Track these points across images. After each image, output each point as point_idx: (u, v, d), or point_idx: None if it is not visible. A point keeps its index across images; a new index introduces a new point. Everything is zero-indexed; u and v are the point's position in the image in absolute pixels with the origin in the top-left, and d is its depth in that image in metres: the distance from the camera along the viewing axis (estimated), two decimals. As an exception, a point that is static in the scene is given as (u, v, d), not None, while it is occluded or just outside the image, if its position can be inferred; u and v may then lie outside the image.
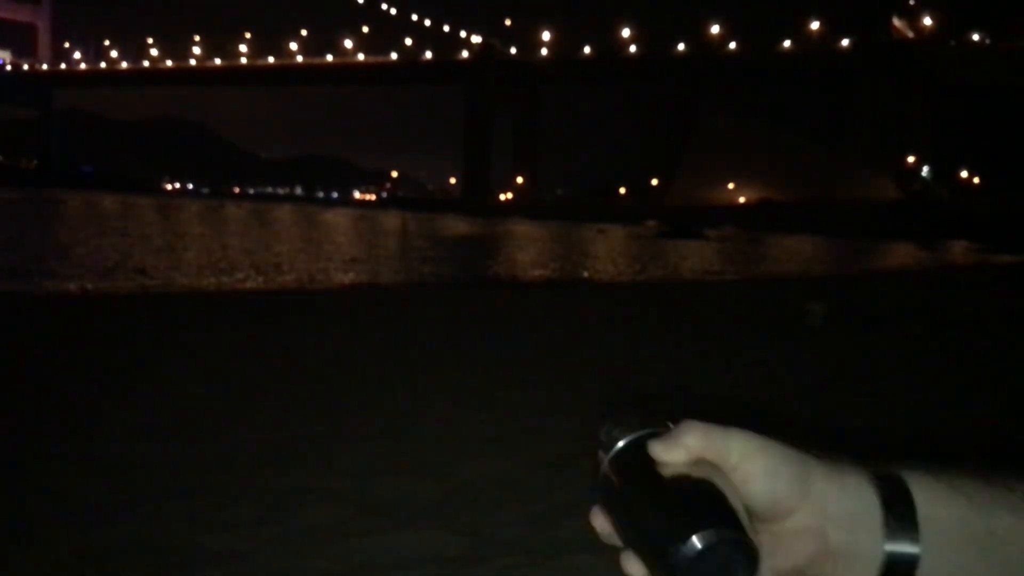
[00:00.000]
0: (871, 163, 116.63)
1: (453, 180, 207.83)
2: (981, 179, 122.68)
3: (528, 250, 40.14)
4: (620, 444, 0.62)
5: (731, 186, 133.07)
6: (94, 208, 67.33)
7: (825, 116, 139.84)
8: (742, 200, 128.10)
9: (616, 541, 0.61)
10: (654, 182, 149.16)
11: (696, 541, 0.53)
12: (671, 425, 0.61)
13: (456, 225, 66.48)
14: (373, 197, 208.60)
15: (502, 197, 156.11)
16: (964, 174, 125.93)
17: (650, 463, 0.59)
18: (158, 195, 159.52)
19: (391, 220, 78.42)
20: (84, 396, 6.29)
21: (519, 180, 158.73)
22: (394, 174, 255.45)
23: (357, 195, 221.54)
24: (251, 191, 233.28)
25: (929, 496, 0.60)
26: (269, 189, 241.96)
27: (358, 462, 4.90)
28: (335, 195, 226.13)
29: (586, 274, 26.28)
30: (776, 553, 0.59)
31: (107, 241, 30.06)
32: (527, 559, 3.70)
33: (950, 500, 0.60)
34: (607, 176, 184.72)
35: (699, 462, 0.58)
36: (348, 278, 21.25)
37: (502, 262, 31.30)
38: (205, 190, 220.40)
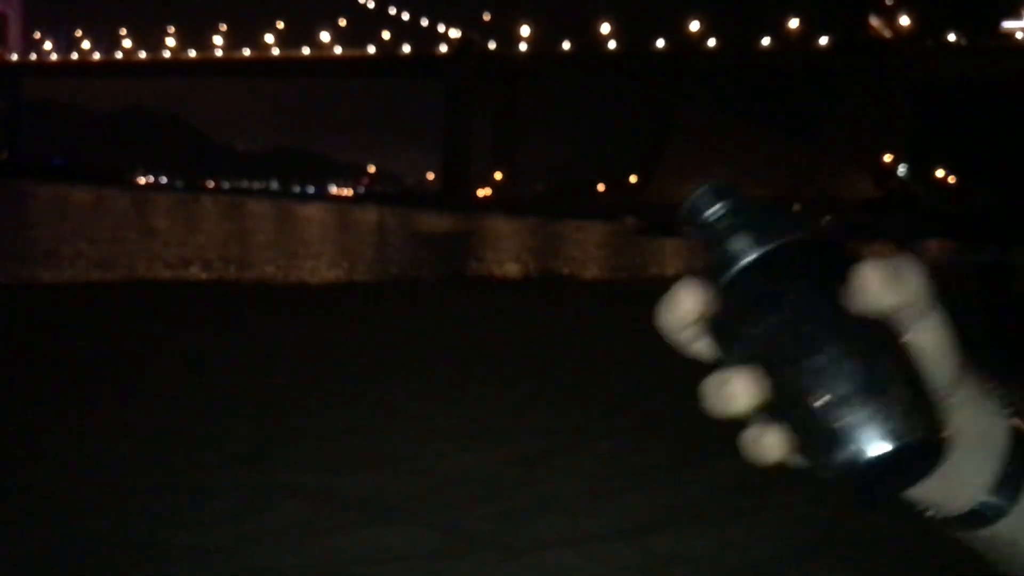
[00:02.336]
0: (849, 161, 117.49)
1: (431, 175, 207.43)
2: (957, 178, 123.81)
3: (505, 247, 40.12)
4: (795, 235, 0.47)
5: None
6: (66, 201, 66.69)
7: (803, 114, 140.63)
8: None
9: (696, 344, 0.49)
10: (633, 178, 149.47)
11: (907, 452, 0.44)
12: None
13: (434, 221, 66.35)
14: (350, 192, 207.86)
15: (480, 192, 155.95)
16: (940, 173, 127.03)
17: (835, 289, 0.46)
18: (131, 188, 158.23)
19: (368, 215, 78.20)
20: (55, 391, 6.22)
21: (497, 175, 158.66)
22: (371, 168, 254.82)
23: (334, 190, 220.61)
24: (226, 185, 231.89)
25: None
26: (244, 183, 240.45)
27: (333, 458, 4.87)
28: (311, 189, 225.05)
29: (563, 271, 26.27)
30: None
31: (79, 233, 29.76)
32: (502, 555, 3.68)
33: None
34: (586, 172, 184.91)
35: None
36: (323, 274, 21.20)
37: (479, 259, 31.25)
38: (179, 183, 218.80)
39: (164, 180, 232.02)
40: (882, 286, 0.45)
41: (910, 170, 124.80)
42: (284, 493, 4.29)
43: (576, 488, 4.52)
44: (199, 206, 77.42)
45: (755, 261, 0.47)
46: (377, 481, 4.54)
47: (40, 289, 14.54)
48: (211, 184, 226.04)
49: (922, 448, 0.45)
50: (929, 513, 0.53)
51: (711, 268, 0.48)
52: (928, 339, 0.48)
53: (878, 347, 0.46)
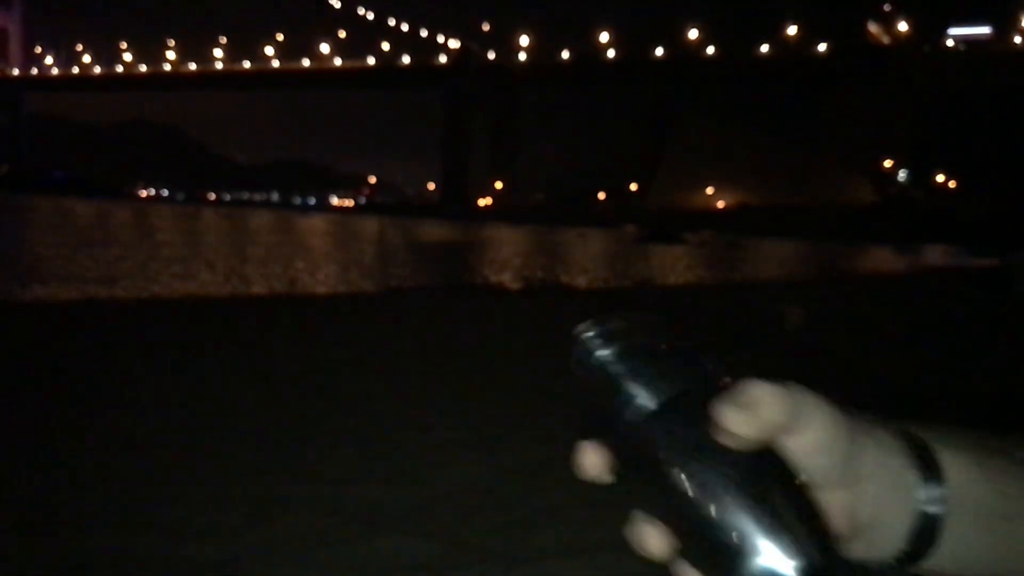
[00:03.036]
0: (848, 167, 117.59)
1: (431, 185, 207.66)
2: (957, 182, 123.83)
3: (506, 256, 40.12)
4: (684, 386, 0.49)
5: (710, 190, 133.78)
6: (67, 215, 66.72)
7: (802, 120, 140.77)
8: (720, 204, 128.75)
9: (604, 478, 0.52)
10: (633, 186, 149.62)
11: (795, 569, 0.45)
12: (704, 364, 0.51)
13: (434, 231, 66.36)
14: (351, 203, 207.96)
15: (481, 202, 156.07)
16: (940, 177, 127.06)
17: (700, 423, 0.48)
18: (132, 201, 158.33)
19: (369, 226, 78.20)
20: (60, 406, 6.22)
21: (497, 185, 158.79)
22: (372, 179, 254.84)
23: (335, 201, 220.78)
24: (227, 197, 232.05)
25: (962, 481, 0.55)
26: (245, 195, 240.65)
27: (334, 469, 4.87)
28: (312, 201, 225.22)
29: (563, 279, 26.27)
30: None
31: (84, 250, 29.79)
32: (504, 566, 3.67)
33: (983, 486, 0.56)
34: (586, 180, 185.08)
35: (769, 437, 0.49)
36: (324, 286, 21.20)
37: (479, 268, 31.27)
38: (180, 196, 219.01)
39: (165, 193, 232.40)
40: (740, 423, 0.47)
41: (910, 175, 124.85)
42: (287, 505, 4.28)
43: (579, 497, 4.44)
44: (200, 219, 77.44)
45: (646, 416, 0.48)
46: (379, 492, 4.52)
47: (46, 305, 14.57)
48: (212, 196, 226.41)
49: (818, 572, 0.45)
50: (875, 561, 0.54)
51: (602, 418, 0.50)
52: (802, 445, 0.50)
53: (763, 483, 0.47)
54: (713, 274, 30.63)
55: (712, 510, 0.46)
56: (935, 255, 55.80)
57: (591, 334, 0.52)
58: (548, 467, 4.99)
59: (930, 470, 0.54)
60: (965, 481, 0.55)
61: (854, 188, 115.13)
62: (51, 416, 5.91)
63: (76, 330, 10.44)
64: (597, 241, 58.38)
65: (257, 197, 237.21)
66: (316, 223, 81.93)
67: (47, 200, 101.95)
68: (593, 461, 0.51)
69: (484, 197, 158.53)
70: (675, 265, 35.08)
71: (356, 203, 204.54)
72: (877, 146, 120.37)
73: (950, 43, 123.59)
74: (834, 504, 0.52)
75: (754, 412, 0.48)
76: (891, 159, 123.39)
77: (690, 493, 0.47)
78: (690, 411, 0.48)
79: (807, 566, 0.45)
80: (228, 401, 6.50)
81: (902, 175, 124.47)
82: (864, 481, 0.53)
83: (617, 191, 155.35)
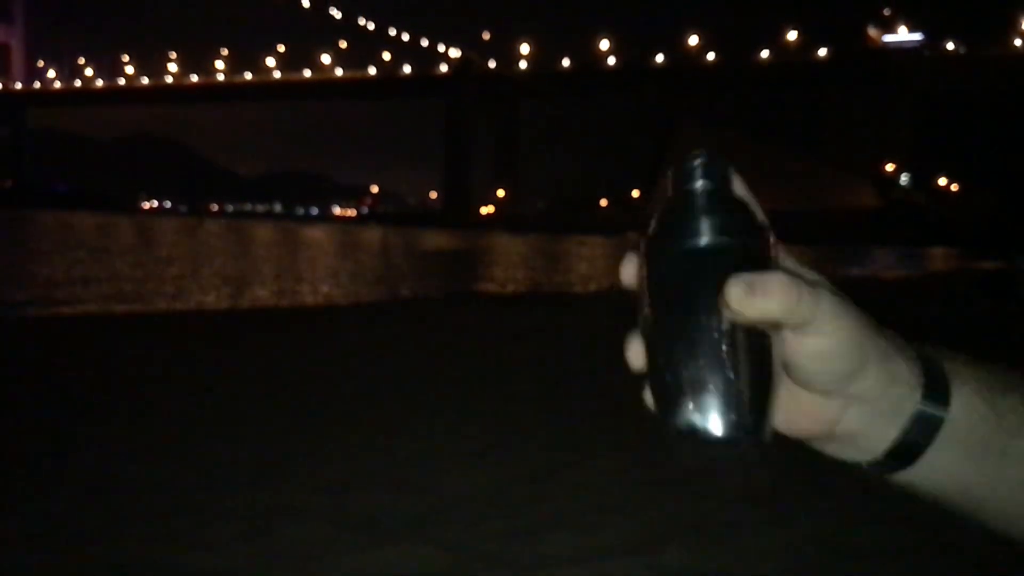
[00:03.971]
0: (850, 171, 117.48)
1: (433, 194, 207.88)
2: (960, 186, 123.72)
3: (509, 264, 40.08)
4: (719, 241, 0.52)
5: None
6: (71, 229, 66.78)
7: (804, 126, 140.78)
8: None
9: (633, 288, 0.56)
10: (635, 193, 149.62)
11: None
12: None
13: (437, 240, 66.35)
14: (353, 213, 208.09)
15: (483, 210, 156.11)
16: (943, 181, 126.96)
17: (712, 282, 0.51)
18: (135, 214, 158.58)
19: (372, 236, 78.21)
20: (60, 417, 6.22)
21: (500, 193, 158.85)
22: (374, 189, 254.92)
23: (337, 211, 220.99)
24: (230, 208, 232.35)
25: (963, 400, 0.57)
26: (248, 206, 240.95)
27: (338, 478, 4.86)
28: (314, 211, 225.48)
29: (567, 287, 26.22)
30: (794, 415, 0.57)
31: (92, 263, 29.81)
32: (511, 573, 3.65)
33: (979, 365, 0.60)
34: (588, 188, 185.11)
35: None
36: (328, 295, 21.18)
37: (482, 276, 31.25)
38: (183, 208, 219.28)
39: (168, 205, 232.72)
40: (740, 302, 0.50)
41: (912, 179, 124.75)
42: (291, 514, 4.27)
43: (584, 504, 4.50)
44: (203, 231, 77.49)
45: (671, 252, 0.53)
46: (384, 500, 4.51)
47: (50, 319, 14.54)
48: (214, 208, 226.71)
49: (738, 442, 0.51)
50: (864, 465, 0.57)
51: (667, 234, 0.54)
52: (805, 347, 0.52)
53: (739, 349, 0.51)
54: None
55: (679, 352, 0.51)
56: (938, 259, 55.69)
57: (695, 164, 0.54)
58: (554, 473, 4.97)
59: (936, 398, 0.56)
60: (968, 412, 0.56)
61: (856, 192, 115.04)
62: (53, 427, 5.90)
63: (79, 342, 10.43)
64: (599, 249, 58.30)
65: (259, 208, 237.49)
66: (318, 234, 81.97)
67: (50, 214, 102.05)
68: (627, 269, 0.56)
69: (486, 205, 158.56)
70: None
71: (358, 213, 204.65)
72: (878, 150, 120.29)
73: (951, 46, 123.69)
74: (816, 408, 0.56)
75: (763, 300, 0.50)
76: (893, 163, 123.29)
77: (671, 332, 0.52)
78: (714, 264, 0.51)
79: (734, 438, 0.50)
80: (229, 411, 6.49)
81: (904, 179, 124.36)
82: (858, 402, 0.55)
83: (619, 198, 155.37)
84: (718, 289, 0.50)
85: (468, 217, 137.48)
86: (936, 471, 0.57)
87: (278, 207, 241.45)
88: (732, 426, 0.50)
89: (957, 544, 3.67)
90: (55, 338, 10.93)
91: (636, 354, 0.55)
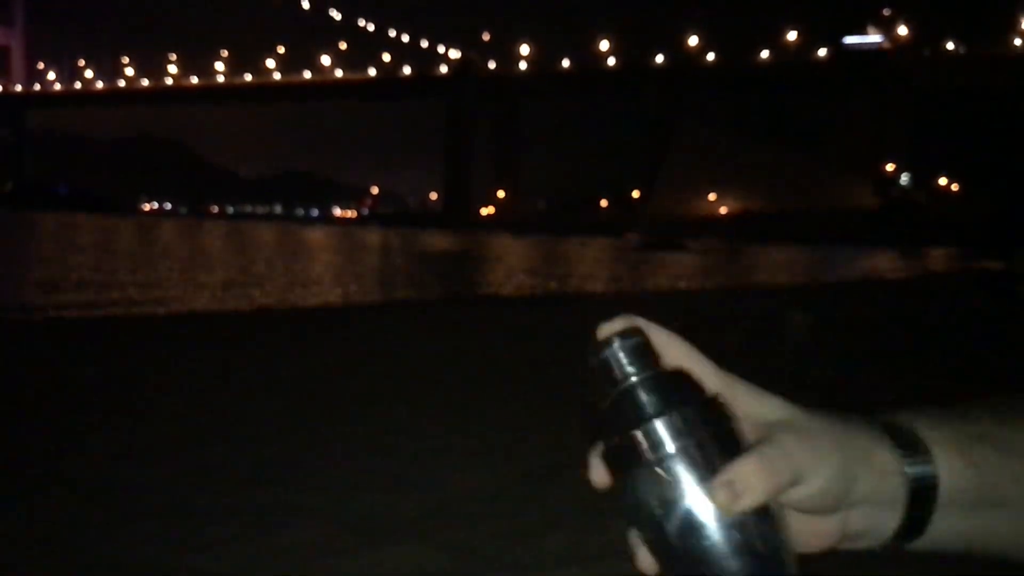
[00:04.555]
0: (850, 171, 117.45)
1: (434, 195, 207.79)
2: (960, 185, 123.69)
3: (509, 265, 40.10)
4: (661, 420, 0.52)
5: (712, 197, 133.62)
6: (72, 230, 66.77)
7: (803, 125, 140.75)
8: (723, 211, 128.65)
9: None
10: (635, 194, 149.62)
11: None
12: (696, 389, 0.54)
13: (438, 241, 66.36)
14: (354, 214, 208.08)
15: (483, 211, 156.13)
16: (943, 181, 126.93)
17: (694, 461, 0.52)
18: (135, 216, 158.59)
19: (372, 237, 78.22)
20: (60, 418, 6.22)
21: (500, 194, 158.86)
22: (374, 190, 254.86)
23: (337, 212, 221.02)
24: (230, 210, 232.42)
25: (952, 468, 0.58)
26: (248, 208, 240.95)
27: (339, 479, 4.86)
28: (315, 212, 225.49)
29: (567, 288, 26.22)
30: (805, 538, 0.59)
31: (92, 265, 29.81)
32: (512, 573, 3.66)
33: (948, 420, 0.60)
34: (588, 189, 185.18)
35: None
36: (328, 296, 21.21)
37: (483, 277, 31.26)
38: (183, 210, 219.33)
39: (168, 207, 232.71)
40: (728, 503, 0.51)
41: (912, 179, 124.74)
42: (291, 514, 4.26)
43: (585, 504, 4.41)
44: (203, 233, 77.48)
45: (645, 433, 0.52)
46: (384, 501, 4.50)
47: (50, 320, 14.53)
48: (215, 210, 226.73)
49: None
50: (879, 549, 0.61)
51: (606, 436, 0.54)
52: (800, 496, 0.55)
53: (754, 529, 0.51)
54: (715, 280, 30.57)
55: (697, 548, 0.51)
56: (938, 258, 55.68)
57: (617, 347, 0.54)
58: (555, 473, 4.98)
59: (920, 464, 0.58)
60: (949, 473, 0.58)
61: (856, 192, 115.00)
62: (54, 427, 5.90)
63: (80, 343, 10.42)
64: (599, 249, 58.34)
65: (260, 210, 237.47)
66: (319, 235, 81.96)
67: (51, 216, 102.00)
68: (599, 474, 0.57)
69: (486, 206, 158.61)
70: (677, 272, 35.00)
71: (359, 214, 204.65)
72: (878, 150, 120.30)
73: (950, 46, 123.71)
74: (824, 527, 0.58)
75: (749, 495, 0.52)
76: (893, 163, 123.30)
77: (677, 526, 0.52)
78: (689, 439, 0.51)
79: None
80: (230, 411, 6.48)
81: (904, 179, 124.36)
82: (859, 505, 0.58)
83: (619, 199, 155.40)
84: (704, 478, 0.51)
85: (468, 218, 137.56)
86: (944, 533, 0.59)
87: (278, 208, 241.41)
88: None
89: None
90: (55, 339, 10.90)
91: (648, 563, 0.55)
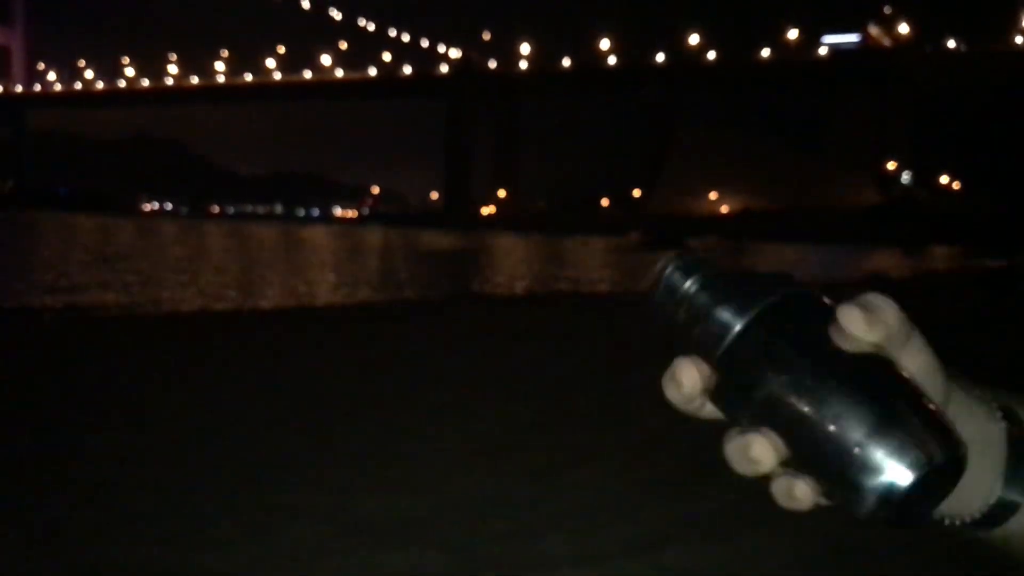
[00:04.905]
0: (851, 169, 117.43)
1: (434, 194, 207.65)
2: (962, 183, 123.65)
3: (510, 264, 40.14)
4: (773, 298, 0.49)
5: (713, 195, 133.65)
6: (74, 230, 66.86)
7: (804, 124, 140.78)
8: (724, 209, 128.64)
9: (705, 410, 0.52)
10: (636, 193, 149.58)
11: (928, 470, 0.46)
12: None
13: (439, 240, 66.37)
14: (354, 213, 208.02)
15: (484, 211, 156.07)
16: (944, 179, 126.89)
17: (823, 336, 0.49)
18: (136, 216, 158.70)
19: (373, 237, 78.25)
20: (61, 418, 6.21)
21: (500, 193, 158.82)
22: (375, 190, 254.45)
23: (338, 212, 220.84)
24: (231, 210, 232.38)
25: None
26: (249, 207, 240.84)
27: (341, 479, 4.86)
28: (316, 212, 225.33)
29: (568, 287, 26.19)
30: None
31: (93, 265, 29.84)
32: (513, 574, 3.66)
33: None
34: (589, 187, 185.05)
35: (883, 348, 0.50)
36: (329, 297, 21.18)
37: (484, 277, 31.24)
38: (184, 209, 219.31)
39: (169, 207, 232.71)
40: (865, 322, 0.48)
41: (914, 176, 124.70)
42: (292, 515, 4.26)
43: (585, 504, 4.49)
44: (205, 232, 77.55)
45: (743, 331, 0.49)
46: (384, 502, 4.51)
47: (52, 317, 14.53)
48: (216, 209, 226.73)
49: (945, 467, 0.47)
50: (946, 522, 0.55)
51: (702, 343, 0.50)
52: (914, 364, 0.51)
53: (880, 382, 0.48)
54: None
55: (830, 412, 0.46)
56: (940, 256, 55.66)
57: (670, 269, 0.52)
58: (555, 474, 4.96)
59: (1019, 447, 0.54)
60: None
61: (858, 190, 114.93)
62: (55, 427, 5.90)
63: (80, 343, 10.42)
64: (600, 248, 58.35)
65: (261, 209, 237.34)
66: (320, 235, 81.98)
67: (52, 216, 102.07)
68: (692, 375, 0.50)
69: (487, 206, 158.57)
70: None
71: (359, 214, 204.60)
72: (880, 148, 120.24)
73: (951, 44, 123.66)
74: None
75: (879, 316, 0.49)
76: (894, 161, 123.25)
77: (803, 400, 0.47)
78: (780, 323, 0.49)
79: (927, 467, 0.46)
80: (232, 412, 6.48)
81: (905, 177, 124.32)
82: (961, 418, 0.53)
83: (620, 198, 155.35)
84: (818, 337, 0.49)
85: (469, 217, 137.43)
86: None
87: (279, 208, 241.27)
88: (938, 449, 0.47)
89: (959, 544, 3.67)
90: (56, 340, 10.91)
91: (766, 450, 0.49)
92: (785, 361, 0.48)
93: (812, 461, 0.48)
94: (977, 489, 0.54)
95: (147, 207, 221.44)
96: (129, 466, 5.07)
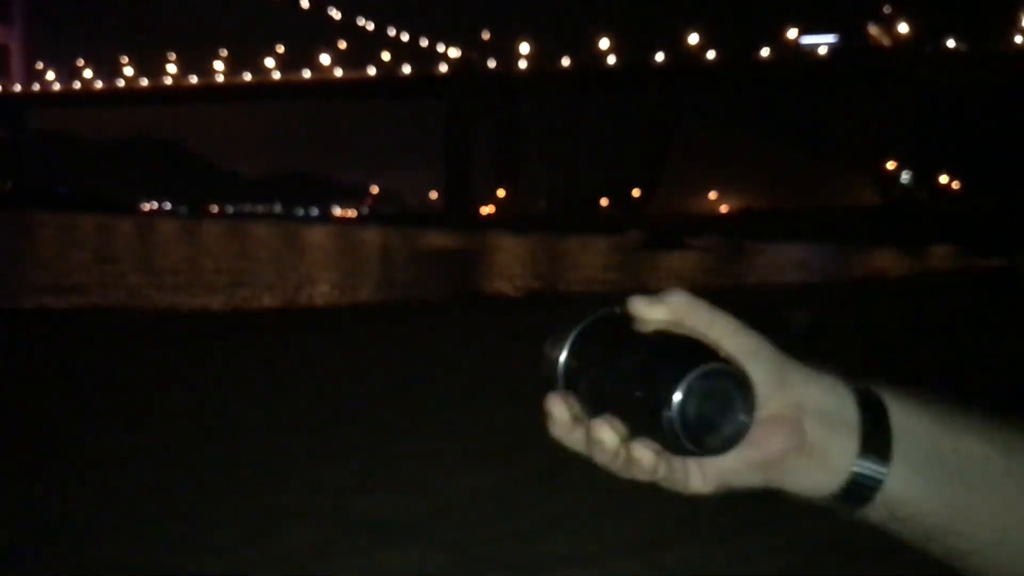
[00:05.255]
0: (851, 169, 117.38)
1: (434, 194, 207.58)
2: (962, 183, 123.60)
3: (510, 264, 40.08)
4: (582, 324, 0.61)
5: (713, 195, 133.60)
6: (74, 230, 66.81)
7: (804, 123, 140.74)
8: (724, 209, 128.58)
9: (572, 437, 0.60)
10: (636, 193, 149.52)
11: (690, 378, 0.52)
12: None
13: (438, 240, 66.32)
14: (354, 213, 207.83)
15: (484, 210, 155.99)
16: (944, 179, 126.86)
17: (622, 330, 0.58)
18: (136, 216, 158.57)
19: (373, 237, 78.20)
20: (61, 419, 6.21)
21: (500, 193, 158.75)
22: (374, 189, 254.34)
23: (338, 211, 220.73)
24: (230, 209, 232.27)
25: (901, 409, 0.58)
26: (248, 207, 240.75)
27: (341, 480, 4.86)
28: (315, 212, 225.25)
29: (568, 287, 26.16)
30: (748, 443, 0.56)
31: (92, 265, 29.80)
32: (512, 575, 3.65)
33: (920, 416, 0.58)
34: (589, 187, 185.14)
35: (679, 324, 0.57)
36: (329, 297, 21.16)
37: (484, 277, 31.20)
38: (184, 209, 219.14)
39: (168, 207, 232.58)
40: (647, 302, 0.58)
41: (913, 176, 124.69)
42: (292, 517, 4.27)
43: (585, 505, 4.50)
44: (204, 232, 77.46)
45: (569, 350, 0.62)
46: (384, 503, 4.51)
47: (53, 318, 14.49)
48: (215, 209, 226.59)
49: (709, 377, 0.54)
50: (815, 499, 0.60)
51: (553, 378, 0.63)
52: (725, 339, 0.57)
53: (659, 341, 0.57)
54: (716, 279, 30.52)
55: (628, 375, 0.56)
56: (940, 257, 55.61)
57: (547, 347, 0.64)
58: (555, 475, 4.97)
59: (874, 413, 0.58)
60: (915, 429, 0.58)
61: (857, 190, 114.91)
62: (55, 428, 5.89)
63: (80, 344, 10.42)
64: (600, 248, 58.30)
65: (260, 209, 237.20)
66: (319, 235, 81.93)
67: (51, 216, 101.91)
68: (556, 403, 0.60)
69: (487, 205, 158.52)
70: (678, 271, 34.94)
71: (359, 213, 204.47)
72: (880, 148, 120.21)
73: (951, 44, 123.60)
74: (775, 416, 0.58)
75: (662, 298, 0.58)
76: (894, 161, 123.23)
77: (611, 376, 0.57)
78: (593, 333, 0.62)
79: (690, 377, 0.53)
80: (231, 413, 6.47)
81: (905, 176, 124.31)
82: (806, 400, 0.58)
83: (620, 197, 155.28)
84: (624, 331, 0.59)
85: (469, 217, 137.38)
86: (905, 499, 0.58)
87: (278, 208, 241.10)
88: (690, 365, 0.54)
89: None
90: (56, 340, 10.90)
91: (603, 430, 0.57)
92: (594, 357, 0.59)
93: (631, 420, 0.56)
94: (831, 460, 0.57)
95: (146, 207, 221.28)
96: (128, 467, 5.06)
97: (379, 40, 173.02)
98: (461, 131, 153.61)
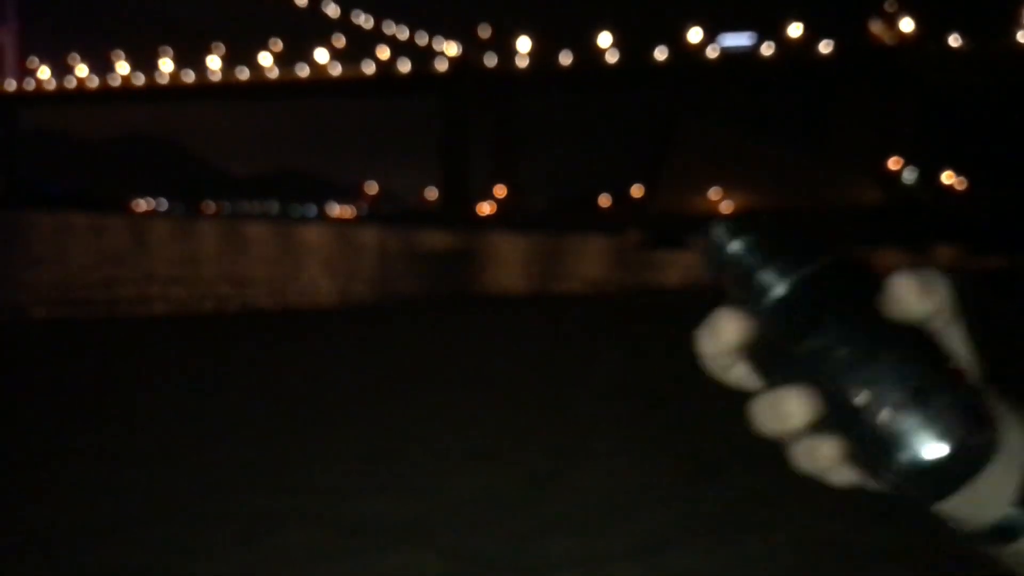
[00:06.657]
0: (854, 167, 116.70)
1: (432, 193, 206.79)
2: (965, 182, 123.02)
3: (508, 264, 39.88)
4: (816, 265, 0.48)
5: (714, 194, 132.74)
6: (69, 230, 67.10)
7: (806, 122, 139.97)
8: (725, 208, 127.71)
9: (727, 369, 0.50)
10: (636, 191, 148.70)
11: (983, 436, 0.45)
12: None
13: (436, 239, 66.18)
14: (351, 212, 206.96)
15: (482, 209, 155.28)
16: (947, 178, 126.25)
17: (870, 302, 0.48)
18: (130, 215, 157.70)
19: (370, 236, 77.96)
20: (60, 420, 6.18)
21: (499, 191, 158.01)
22: (372, 188, 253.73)
23: (335, 210, 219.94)
24: (226, 208, 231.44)
25: None
26: (244, 206, 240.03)
27: (338, 482, 4.83)
28: (312, 211, 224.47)
29: (568, 287, 25.76)
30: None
31: (87, 266, 29.34)
32: (512, 578, 3.64)
33: None
34: (589, 186, 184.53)
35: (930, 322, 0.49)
36: (326, 297, 20.91)
37: (483, 277, 31.17)
38: (179, 208, 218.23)
39: (164, 206, 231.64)
40: (917, 294, 0.47)
41: (917, 175, 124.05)
42: (289, 518, 4.22)
43: (585, 507, 4.50)
44: (199, 232, 77.50)
45: (789, 290, 0.48)
46: (383, 505, 4.47)
47: (45, 322, 14.39)
48: (211, 209, 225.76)
49: (976, 451, 0.45)
50: (957, 528, 0.53)
51: (746, 299, 0.49)
52: (957, 347, 0.49)
53: (925, 352, 0.47)
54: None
55: (870, 375, 0.46)
56: (943, 256, 54.96)
57: (720, 229, 0.50)
58: (555, 476, 4.98)
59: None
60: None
61: (860, 189, 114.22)
62: (48, 431, 5.86)
63: (74, 345, 10.40)
64: (600, 247, 58.21)
65: (256, 208, 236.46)
66: (315, 234, 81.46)
67: (43, 215, 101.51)
68: (732, 326, 0.49)
69: (486, 203, 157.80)
70: (679, 270, 34.50)
71: (356, 212, 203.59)
72: (883, 147, 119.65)
73: (954, 41, 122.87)
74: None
75: (933, 288, 0.48)
76: (897, 159, 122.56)
77: (843, 360, 0.46)
78: (828, 285, 0.48)
79: (960, 444, 0.44)
80: (225, 414, 6.44)
81: (908, 175, 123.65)
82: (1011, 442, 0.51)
83: (620, 196, 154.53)
84: (864, 303, 0.48)
85: (467, 216, 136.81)
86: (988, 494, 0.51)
87: (274, 207, 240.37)
88: (974, 428, 0.45)
89: (959, 546, 3.19)
90: (50, 342, 10.87)
91: (800, 407, 0.47)
92: (830, 321, 0.47)
93: (844, 422, 0.47)
94: (992, 495, 0.51)
95: (141, 206, 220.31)
96: (121, 469, 5.00)
97: (376, 37, 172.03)
98: (459, 129, 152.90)
